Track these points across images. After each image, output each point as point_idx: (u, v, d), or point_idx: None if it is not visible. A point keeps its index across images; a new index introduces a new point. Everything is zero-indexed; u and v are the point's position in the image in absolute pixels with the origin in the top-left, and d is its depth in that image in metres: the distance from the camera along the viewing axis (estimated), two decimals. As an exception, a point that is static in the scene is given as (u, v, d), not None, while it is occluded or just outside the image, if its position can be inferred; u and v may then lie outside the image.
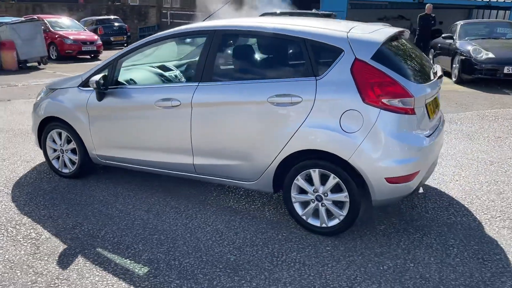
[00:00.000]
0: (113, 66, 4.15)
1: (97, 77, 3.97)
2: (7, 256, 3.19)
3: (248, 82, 3.64)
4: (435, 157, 3.68)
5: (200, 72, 3.75)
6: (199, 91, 3.71)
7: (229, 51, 3.82)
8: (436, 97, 3.83)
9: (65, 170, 4.67)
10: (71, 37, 16.37)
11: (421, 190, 4.33)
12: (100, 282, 2.90)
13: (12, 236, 3.48)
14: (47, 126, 4.64)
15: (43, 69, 14.03)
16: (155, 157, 4.07)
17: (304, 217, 3.53)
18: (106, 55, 17.15)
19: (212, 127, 3.72)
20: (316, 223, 3.50)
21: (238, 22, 3.92)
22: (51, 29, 16.63)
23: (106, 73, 4.10)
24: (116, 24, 22.17)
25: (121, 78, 4.23)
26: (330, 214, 3.45)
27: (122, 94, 4.10)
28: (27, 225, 3.66)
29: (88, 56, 17.17)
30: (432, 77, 3.66)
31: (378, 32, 3.48)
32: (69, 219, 3.77)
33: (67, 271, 3.03)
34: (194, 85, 3.75)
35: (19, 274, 2.99)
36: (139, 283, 2.90)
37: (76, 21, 18.36)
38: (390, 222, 3.73)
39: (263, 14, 16.76)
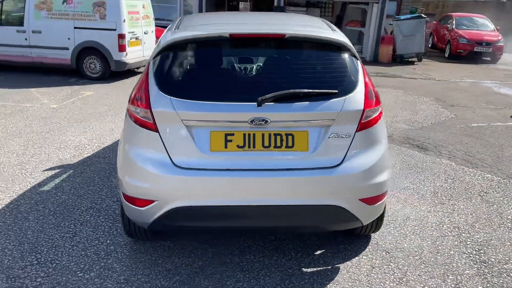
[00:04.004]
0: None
1: None
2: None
3: None
4: (222, 200, 2.68)
5: None
6: None
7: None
8: (300, 133, 2.71)
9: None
10: (467, 37, 15.64)
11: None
12: None
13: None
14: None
15: (414, 65, 14.51)
16: None
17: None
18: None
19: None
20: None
21: None
22: (453, 27, 16.45)
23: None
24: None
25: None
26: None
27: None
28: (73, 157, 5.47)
29: (488, 58, 15.84)
30: (256, 102, 2.62)
31: (196, 31, 2.87)
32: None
33: None
34: None
35: None
36: None
37: (489, 20, 17.01)
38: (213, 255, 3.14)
39: None
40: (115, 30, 9.62)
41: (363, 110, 2.76)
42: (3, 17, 10.10)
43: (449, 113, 7.86)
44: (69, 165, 4.88)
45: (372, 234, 3.50)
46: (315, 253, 3.26)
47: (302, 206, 2.74)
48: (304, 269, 3.07)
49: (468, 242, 3.48)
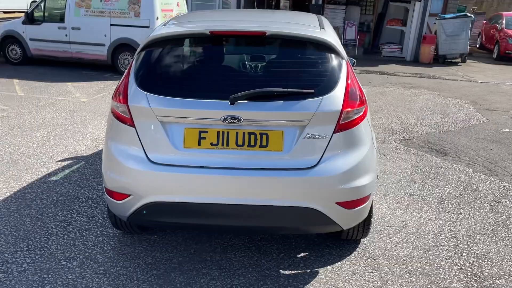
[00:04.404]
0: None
1: None
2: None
3: None
4: (203, 198, 2.69)
5: None
6: None
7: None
8: (272, 132, 2.68)
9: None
10: (517, 37, 14.81)
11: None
12: None
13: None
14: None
15: (457, 66, 13.89)
16: None
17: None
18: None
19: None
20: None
21: None
22: (503, 27, 15.61)
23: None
24: None
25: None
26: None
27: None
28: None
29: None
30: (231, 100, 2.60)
31: (179, 28, 2.88)
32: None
33: None
34: None
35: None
36: None
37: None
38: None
39: None
40: (148, 27, 9.86)
41: (341, 111, 2.67)
42: (46, 14, 10.61)
43: (481, 117, 7.46)
44: (82, 156, 5.06)
45: (362, 240, 3.40)
46: (297, 256, 3.20)
47: (277, 207, 2.69)
48: (281, 271, 3.02)
49: (464, 254, 3.29)
